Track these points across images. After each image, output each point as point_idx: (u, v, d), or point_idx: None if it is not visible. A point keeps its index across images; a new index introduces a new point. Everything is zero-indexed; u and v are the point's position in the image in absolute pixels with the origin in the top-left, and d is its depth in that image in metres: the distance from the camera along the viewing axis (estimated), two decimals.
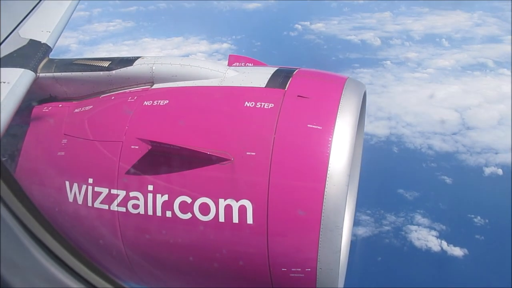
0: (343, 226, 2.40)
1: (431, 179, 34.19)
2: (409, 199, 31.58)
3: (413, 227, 29.25)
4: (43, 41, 3.27)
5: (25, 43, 3.20)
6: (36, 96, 3.19)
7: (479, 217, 29.70)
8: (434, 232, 28.85)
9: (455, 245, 27.82)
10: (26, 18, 3.47)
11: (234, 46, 62.89)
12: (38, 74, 3.06)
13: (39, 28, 3.38)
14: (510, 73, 50.11)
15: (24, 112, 3.06)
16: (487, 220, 29.51)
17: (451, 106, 44.17)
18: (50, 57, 3.25)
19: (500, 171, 34.64)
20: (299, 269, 2.40)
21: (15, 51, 3.10)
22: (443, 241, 28.16)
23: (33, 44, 3.21)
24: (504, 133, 39.00)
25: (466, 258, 27.08)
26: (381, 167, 29.73)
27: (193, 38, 67.86)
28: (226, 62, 3.30)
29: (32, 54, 3.10)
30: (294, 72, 2.80)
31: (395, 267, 26.16)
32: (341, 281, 2.66)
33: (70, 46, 58.04)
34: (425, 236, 28.61)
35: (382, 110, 41.67)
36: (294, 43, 66.03)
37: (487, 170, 35.00)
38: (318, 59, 54.94)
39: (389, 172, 31.17)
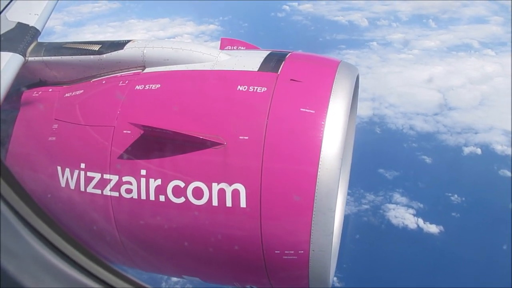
0: (336, 209, 2.45)
1: (412, 159, 34.98)
2: (389, 178, 32.35)
3: (391, 206, 30.12)
4: (31, 24, 3.18)
5: (12, 26, 3.11)
6: (26, 80, 3.13)
7: (456, 195, 30.69)
8: (411, 210, 29.77)
9: (431, 223, 28.82)
10: (13, 1, 3.35)
11: (221, 28, 61.67)
12: (27, 58, 2.99)
13: (27, 11, 3.27)
14: (494, 54, 50.87)
15: (14, 97, 3.00)
16: (463, 198, 30.54)
17: (434, 87, 44.80)
18: (38, 40, 3.18)
19: (479, 151, 35.65)
20: (292, 252, 2.45)
21: (2, 35, 3.01)
22: (419, 219, 29.11)
23: (21, 28, 3.11)
24: (484, 113, 39.91)
25: (441, 235, 28.15)
26: (363, 147, 30.06)
27: (180, 20, 66.47)
28: (217, 45, 3.28)
29: (20, 37, 3.02)
30: (287, 56, 2.78)
31: (372, 244, 27.01)
32: (333, 263, 2.73)
33: (54, 27, 55.78)
34: (402, 214, 29.52)
35: (366, 91, 41.89)
36: (281, 24, 65.05)
37: (466, 150, 35.97)
38: (305, 40, 54.36)
39: (370, 152, 31.58)
